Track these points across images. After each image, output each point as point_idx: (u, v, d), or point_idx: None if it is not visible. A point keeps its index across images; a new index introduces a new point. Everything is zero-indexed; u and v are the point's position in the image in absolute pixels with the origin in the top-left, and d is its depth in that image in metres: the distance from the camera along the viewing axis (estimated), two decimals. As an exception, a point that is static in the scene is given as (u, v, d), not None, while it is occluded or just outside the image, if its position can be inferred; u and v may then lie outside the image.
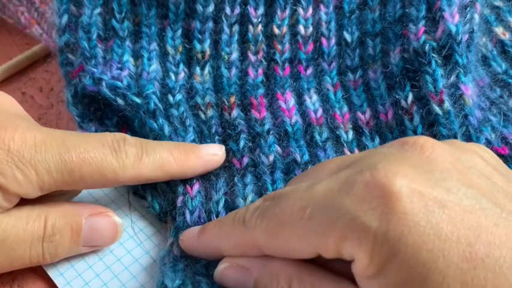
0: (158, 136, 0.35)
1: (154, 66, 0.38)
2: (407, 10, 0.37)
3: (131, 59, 0.38)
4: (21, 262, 0.30)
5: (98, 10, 0.38)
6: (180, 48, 0.39)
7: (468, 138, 0.35)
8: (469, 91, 0.36)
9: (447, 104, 0.35)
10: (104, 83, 0.36)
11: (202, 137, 0.36)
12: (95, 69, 0.36)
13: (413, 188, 0.23)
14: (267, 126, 0.37)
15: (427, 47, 0.36)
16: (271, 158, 0.35)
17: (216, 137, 0.36)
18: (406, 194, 0.23)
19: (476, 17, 0.37)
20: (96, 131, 0.37)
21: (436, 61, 0.36)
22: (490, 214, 0.23)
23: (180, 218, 0.32)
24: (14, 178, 0.28)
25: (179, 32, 0.39)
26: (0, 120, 0.30)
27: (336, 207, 0.24)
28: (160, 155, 0.32)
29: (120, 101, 0.36)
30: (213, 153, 0.34)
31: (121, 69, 0.37)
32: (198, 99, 0.38)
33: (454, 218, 0.23)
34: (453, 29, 0.36)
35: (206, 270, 0.30)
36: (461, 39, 0.36)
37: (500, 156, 0.35)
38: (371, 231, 0.23)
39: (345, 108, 0.38)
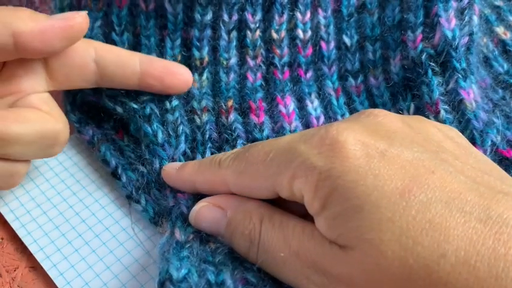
0: (151, 142, 0.35)
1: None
2: (405, 16, 0.37)
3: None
4: None
5: (99, 23, 0.38)
6: (179, 57, 0.38)
7: (473, 141, 0.34)
8: (471, 95, 0.35)
9: (443, 114, 0.35)
10: (103, 93, 0.37)
11: (195, 144, 0.36)
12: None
13: (358, 139, 0.26)
14: (265, 132, 0.36)
15: (423, 57, 0.36)
16: None
17: (209, 144, 0.36)
18: (350, 143, 0.26)
19: (475, 18, 0.36)
20: (93, 134, 0.37)
21: (432, 69, 0.35)
22: (428, 163, 0.25)
23: (175, 211, 0.32)
24: None
25: (178, 42, 0.38)
26: None
27: (292, 152, 0.27)
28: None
29: (119, 110, 0.36)
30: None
31: None
32: (194, 104, 0.37)
33: (392, 164, 0.25)
34: (449, 34, 0.35)
35: (212, 257, 0.29)
36: (458, 44, 0.35)
37: (506, 159, 0.35)
38: (316, 169, 0.26)
39: (348, 116, 0.37)
